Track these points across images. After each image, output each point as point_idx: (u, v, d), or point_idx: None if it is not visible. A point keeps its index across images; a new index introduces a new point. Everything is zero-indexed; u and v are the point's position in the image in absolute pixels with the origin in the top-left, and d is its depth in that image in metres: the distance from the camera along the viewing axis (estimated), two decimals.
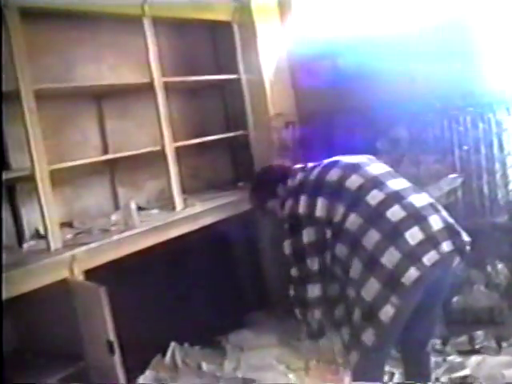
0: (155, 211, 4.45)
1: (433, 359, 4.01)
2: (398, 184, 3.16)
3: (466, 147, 4.50)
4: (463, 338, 4.30)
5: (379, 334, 2.94)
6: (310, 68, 5.04)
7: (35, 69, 3.65)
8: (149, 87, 4.33)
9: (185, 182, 4.72)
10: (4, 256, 3.56)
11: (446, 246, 2.97)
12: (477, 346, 4.21)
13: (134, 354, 3.72)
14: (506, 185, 4.47)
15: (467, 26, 4.39)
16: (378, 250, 2.92)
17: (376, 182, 3.10)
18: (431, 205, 3.11)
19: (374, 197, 3.04)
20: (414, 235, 2.93)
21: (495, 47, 4.32)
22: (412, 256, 2.89)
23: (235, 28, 5.04)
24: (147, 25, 4.26)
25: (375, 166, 3.25)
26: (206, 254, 4.81)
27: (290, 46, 5.18)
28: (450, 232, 3.03)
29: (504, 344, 4.18)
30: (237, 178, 5.35)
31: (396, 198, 3.05)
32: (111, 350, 3.35)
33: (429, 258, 2.90)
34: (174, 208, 4.40)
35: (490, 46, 4.33)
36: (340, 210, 3.03)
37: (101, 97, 4.47)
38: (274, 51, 5.12)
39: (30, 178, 3.58)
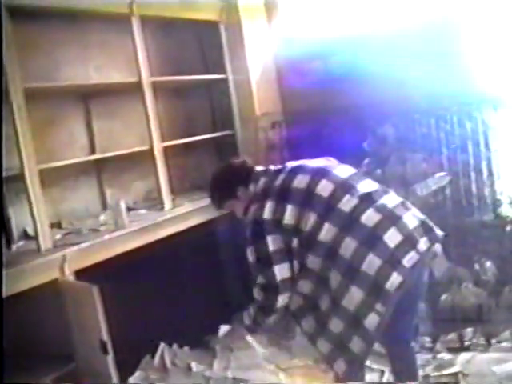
0: (143, 211, 4.43)
1: (422, 357, 4.06)
2: (367, 186, 3.09)
3: (453, 146, 4.53)
4: (452, 336, 4.32)
5: (367, 342, 2.93)
6: (296, 68, 5.06)
7: (24, 68, 3.62)
8: (136, 87, 4.32)
9: (173, 182, 4.71)
10: None
11: (424, 244, 2.97)
12: (466, 343, 4.23)
13: (123, 354, 3.69)
14: (493, 183, 4.51)
15: (454, 26, 4.43)
16: (357, 258, 2.87)
17: (347, 187, 3.03)
18: (402, 203, 3.09)
19: (347, 203, 2.97)
20: (392, 237, 2.90)
21: (481, 47, 4.35)
22: (392, 260, 2.87)
23: (222, 28, 5.05)
24: (135, 24, 4.25)
25: (341, 169, 3.17)
26: (195, 254, 4.79)
27: (276, 45, 5.19)
28: (424, 228, 3.03)
29: (493, 341, 4.20)
30: None
31: (369, 201, 2.99)
32: (104, 350, 3.33)
33: (408, 260, 2.89)
34: (162, 208, 4.39)
35: (477, 45, 4.36)
36: (311, 218, 2.95)
37: (88, 96, 4.45)
38: (261, 51, 5.14)
39: (19, 178, 3.55)
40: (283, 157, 4.94)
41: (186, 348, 4.66)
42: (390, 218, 2.96)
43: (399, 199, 3.12)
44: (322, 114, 4.84)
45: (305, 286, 3.06)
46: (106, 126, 4.58)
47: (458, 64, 4.40)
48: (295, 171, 3.12)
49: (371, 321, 2.87)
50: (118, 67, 4.60)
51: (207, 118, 5.42)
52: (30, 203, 3.54)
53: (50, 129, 4.21)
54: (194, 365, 4.42)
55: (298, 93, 5.06)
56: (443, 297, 4.53)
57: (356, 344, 2.93)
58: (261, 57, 5.14)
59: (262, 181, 3.17)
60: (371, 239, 2.90)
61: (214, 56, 5.19)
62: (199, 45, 5.35)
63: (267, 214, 2.98)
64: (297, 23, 5.08)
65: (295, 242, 2.97)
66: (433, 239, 3.02)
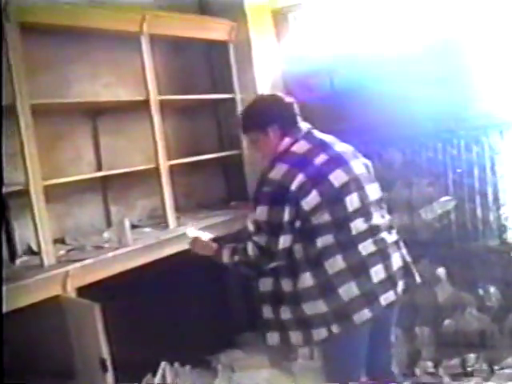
0: (148, 229, 4.43)
1: (426, 381, 4.05)
2: (379, 218, 3.04)
3: (459, 170, 4.52)
4: (455, 361, 4.30)
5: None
6: (304, 87, 5.05)
7: (32, 84, 3.65)
8: (144, 105, 4.33)
9: (178, 201, 4.71)
10: None
11: (400, 286, 2.99)
12: (469, 369, 4.21)
13: (125, 372, 3.68)
14: (499, 208, 4.50)
15: (461, 49, 4.43)
16: (339, 279, 2.85)
17: (364, 213, 2.96)
18: (396, 242, 3.09)
19: (358, 227, 2.91)
20: (378, 273, 2.90)
21: (489, 71, 4.36)
22: (370, 295, 2.88)
23: (231, 47, 5.07)
24: (144, 43, 4.28)
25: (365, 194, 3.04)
26: (199, 273, 4.78)
27: (285, 64, 5.20)
28: (405, 271, 3.05)
29: (496, 367, 4.18)
30: (229, 197, 5.34)
31: (373, 232, 2.96)
32: (104, 368, 3.32)
33: (385, 298, 2.91)
34: (166, 226, 4.38)
35: (484, 69, 4.37)
36: (325, 214, 2.86)
37: (96, 114, 4.46)
38: (270, 69, 5.15)
39: (24, 193, 3.56)
40: None
41: (187, 367, 4.63)
42: (382, 254, 2.95)
43: (395, 237, 3.11)
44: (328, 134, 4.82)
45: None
46: (113, 142, 4.58)
47: (466, 88, 4.41)
48: (336, 162, 2.96)
49: (319, 333, 2.89)
50: (127, 85, 4.61)
51: (214, 137, 5.43)
52: (34, 219, 3.55)
53: (57, 144, 4.22)
54: None
55: (305, 112, 5.05)
56: (446, 322, 4.51)
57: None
58: (269, 75, 5.15)
59: (303, 144, 3.00)
60: (359, 267, 2.88)
61: (223, 74, 5.21)
62: (208, 63, 5.37)
63: (295, 187, 2.82)
64: (306, 41, 5.10)
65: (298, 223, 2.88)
66: (409, 284, 3.07)
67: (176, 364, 4.60)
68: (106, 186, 4.54)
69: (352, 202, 2.92)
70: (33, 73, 3.75)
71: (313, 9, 5.08)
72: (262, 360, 4.64)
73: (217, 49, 5.22)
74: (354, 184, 2.96)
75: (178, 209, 4.58)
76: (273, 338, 3.04)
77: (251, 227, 2.96)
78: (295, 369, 4.49)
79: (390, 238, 3.05)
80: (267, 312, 3.02)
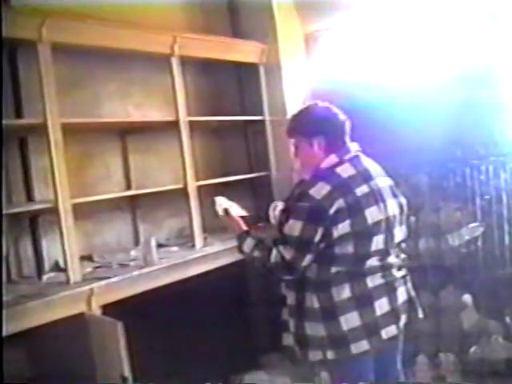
0: (175, 248, 4.46)
1: None
2: (394, 258, 2.98)
3: (487, 196, 4.49)
4: None
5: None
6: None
7: (63, 103, 3.71)
8: (174, 125, 4.39)
9: (205, 221, 4.73)
10: (24, 287, 3.60)
11: (403, 320, 2.96)
12: None
13: None
14: None
15: (490, 75, 4.43)
16: (343, 306, 2.82)
17: (383, 253, 2.91)
18: (403, 277, 3.03)
19: (372, 264, 2.87)
20: (382, 306, 2.87)
21: None
22: (371, 327, 2.84)
23: (261, 69, 5.11)
24: (175, 64, 4.34)
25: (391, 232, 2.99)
26: (224, 294, 4.80)
27: (314, 86, 5.22)
28: (409, 306, 3.01)
29: None
30: (257, 218, 5.35)
31: (385, 268, 2.92)
32: None
33: (387, 332, 2.87)
34: (193, 246, 4.41)
35: None
36: (349, 246, 2.81)
37: (126, 133, 4.53)
38: (300, 92, 5.18)
39: (53, 211, 3.61)
40: None
41: None
42: (388, 288, 2.91)
43: (403, 272, 3.05)
44: None
45: None
46: (142, 162, 4.64)
47: (494, 114, 4.39)
48: (375, 197, 2.87)
49: (315, 355, 2.90)
50: (157, 105, 4.68)
51: (243, 159, 5.47)
52: (62, 236, 3.59)
53: (87, 163, 4.28)
54: None
55: None
56: (472, 349, 4.46)
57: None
58: (299, 97, 5.17)
59: (348, 168, 2.87)
60: (364, 299, 2.85)
61: (252, 96, 5.26)
62: (238, 85, 5.42)
63: (333, 211, 2.73)
64: (334, 65, 5.13)
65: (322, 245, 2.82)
66: (412, 318, 3.01)
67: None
68: (135, 205, 4.59)
69: (378, 242, 2.87)
70: (64, 91, 3.82)
71: (344, 33, 5.11)
72: (285, 381, 4.62)
73: (247, 71, 5.27)
74: (385, 225, 2.89)
75: (205, 229, 4.60)
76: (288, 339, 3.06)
77: (279, 234, 2.87)
78: None
79: (399, 273, 3.01)
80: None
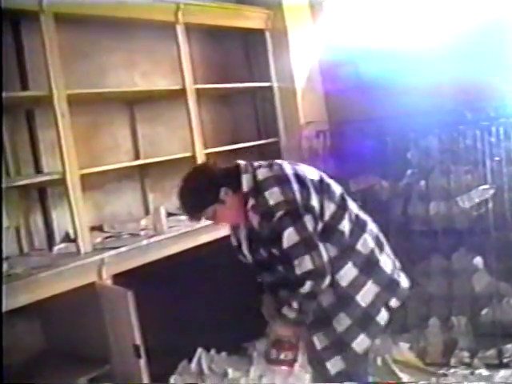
0: (184, 217, 4.46)
1: (460, 372, 4.01)
2: (389, 264, 2.90)
3: (497, 158, 4.45)
4: (492, 352, 4.23)
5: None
6: (338, 75, 5.05)
7: (68, 74, 3.70)
8: (181, 94, 4.37)
9: None
10: (35, 259, 3.62)
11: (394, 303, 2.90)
12: (505, 360, 4.15)
13: (160, 359, 3.73)
14: None
15: (501, 36, 4.37)
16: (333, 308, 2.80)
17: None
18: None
19: (365, 245, 2.82)
20: (365, 296, 2.81)
21: None
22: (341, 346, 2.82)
23: (268, 35, 5.07)
24: (180, 32, 4.31)
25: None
26: (234, 261, 4.81)
27: (322, 53, 5.19)
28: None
29: None
30: None
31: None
32: (137, 354, 3.38)
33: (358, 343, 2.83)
34: None
35: None
36: (331, 207, 2.76)
37: (133, 102, 4.52)
38: (307, 58, 5.14)
39: (61, 182, 3.62)
40: (327, 166, 4.91)
41: (223, 354, 4.67)
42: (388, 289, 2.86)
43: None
44: (366, 122, 4.79)
45: None
46: (150, 131, 4.63)
47: (505, 76, 4.34)
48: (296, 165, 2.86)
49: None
50: (163, 74, 4.66)
51: (251, 126, 5.44)
52: (71, 207, 3.60)
53: (94, 133, 4.28)
54: (230, 371, 4.44)
55: (343, 101, 5.04)
56: (483, 311, 4.45)
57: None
58: (306, 64, 5.14)
59: (264, 171, 2.80)
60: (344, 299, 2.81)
61: (260, 63, 5.22)
62: (244, 52, 5.38)
63: (298, 195, 2.65)
64: (342, 30, 5.09)
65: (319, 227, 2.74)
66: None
67: (212, 351, 4.64)
68: (144, 174, 4.59)
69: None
70: (69, 63, 3.80)
71: None
72: None
73: (253, 37, 5.23)
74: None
75: None
76: None
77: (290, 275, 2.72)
78: None
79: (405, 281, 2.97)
80: None
